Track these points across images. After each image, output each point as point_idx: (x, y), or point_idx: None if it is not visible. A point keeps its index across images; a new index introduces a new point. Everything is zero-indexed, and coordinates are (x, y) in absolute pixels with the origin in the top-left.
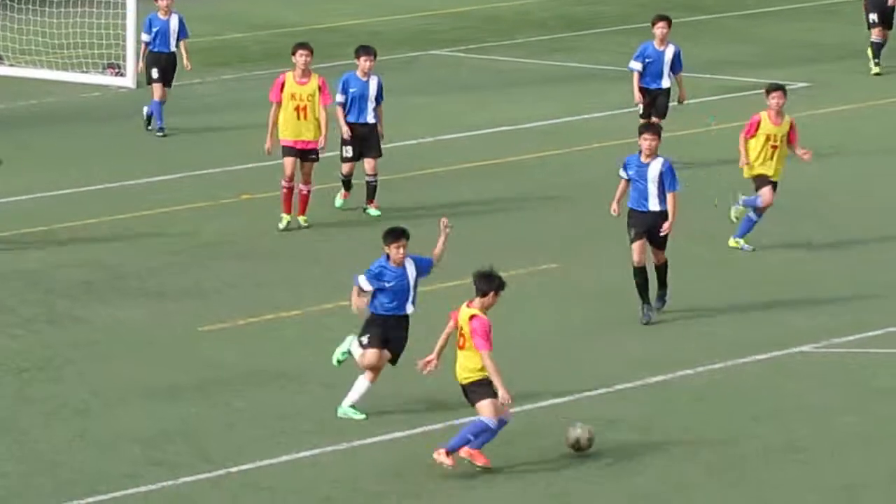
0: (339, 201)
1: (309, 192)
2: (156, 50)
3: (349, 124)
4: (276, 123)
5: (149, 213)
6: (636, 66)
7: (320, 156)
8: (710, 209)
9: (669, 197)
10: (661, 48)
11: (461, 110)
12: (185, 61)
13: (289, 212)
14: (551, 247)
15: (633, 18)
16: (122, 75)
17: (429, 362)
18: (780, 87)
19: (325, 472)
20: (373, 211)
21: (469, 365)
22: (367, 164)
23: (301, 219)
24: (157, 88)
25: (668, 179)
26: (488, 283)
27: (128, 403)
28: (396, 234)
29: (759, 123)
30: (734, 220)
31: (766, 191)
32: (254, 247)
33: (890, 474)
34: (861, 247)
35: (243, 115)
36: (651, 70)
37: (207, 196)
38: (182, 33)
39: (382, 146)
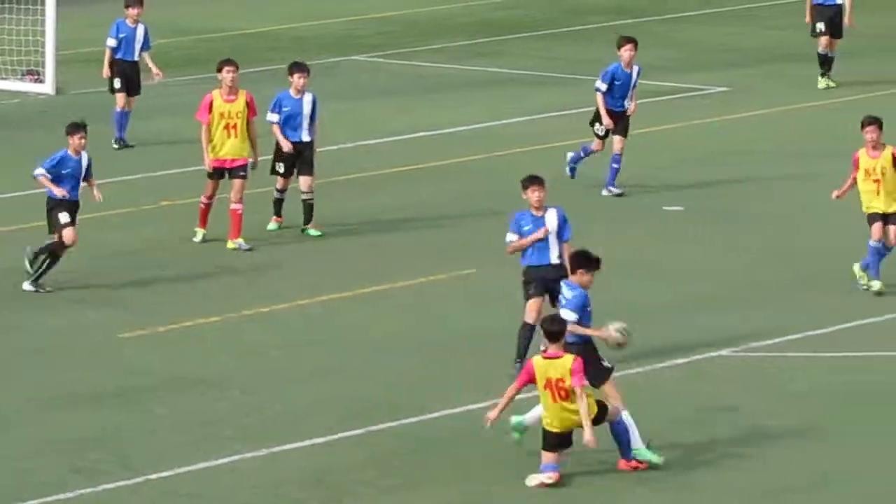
0: (271, 225)
1: (241, 211)
2: (119, 57)
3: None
4: (209, 142)
5: None
6: (602, 86)
7: (251, 173)
8: (623, 214)
9: (566, 247)
10: (629, 70)
11: (383, 115)
12: (154, 70)
13: (204, 227)
14: (472, 252)
15: (555, 24)
16: (41, 82)
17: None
18: (875, 121)
19: (245, 479)
20: (312, 231)
21: (573, 412)
22: (303, 181)
23: (238, 241)
24: (120, 98)
25: (565, 230)
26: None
27: (49, 411)
28: (532, 178)
29: (858, 160)
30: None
31: (875, 227)
32: (174, 253)
33: (810, 478)
34: (780, 250)
35: (165, 122)
36: (618, 92)
37: (128, 202)
38: (146, 44)
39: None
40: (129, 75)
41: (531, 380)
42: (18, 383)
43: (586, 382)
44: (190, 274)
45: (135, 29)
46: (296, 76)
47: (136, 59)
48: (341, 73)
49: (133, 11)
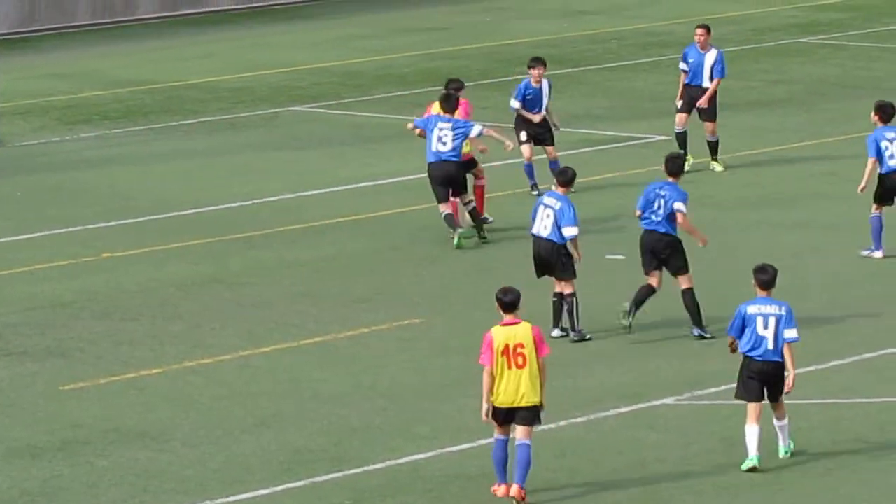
0: None
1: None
2: None
3: None
4: None
5: (8, 273)
6: (515, 104)
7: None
8: None
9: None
10: (537, 85)
11: (323, 166)
12: None
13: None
14: (414, 302)
15: (492, 74)
16: None
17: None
18: None
19: None
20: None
21: (534, 381)
22: None
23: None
24: None
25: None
26: None
27: None
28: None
29: None
30: None
31: None
32: (114, 305)
33: None
34: (727, 298)
35: (103, 173)
36: (530, 105)
37: (68, 255)
38: None
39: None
40: None
41: (493, 350)
42: None
43: (549, 352)
44: (131, 326)
45: None
46: None
47: None
48: (280, 124)
49: None
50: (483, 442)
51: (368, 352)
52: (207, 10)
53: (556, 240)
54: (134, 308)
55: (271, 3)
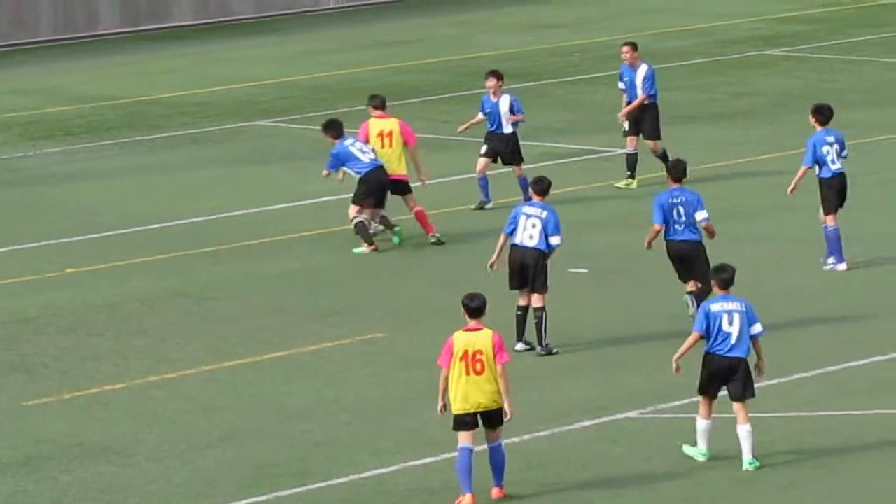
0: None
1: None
2: None
3: None
4: None
5: None
6: (480, 116)
7: None
8: None
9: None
10: (496, 99)
11: (287, 180)
12: None
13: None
14: (377, 316)
15: (456, 87)
16: None
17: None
18: None
19: None
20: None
21: (492, 388)
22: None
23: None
24: None
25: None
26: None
27: None
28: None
29: None
30: None
31: None
32: (79, 320)
33: None
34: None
35: (67, 189)
36: (493, 119)
37: (31, 270)
38: None
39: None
40: None
41: (452, 354)
42: None
43: (508, 360)
44: (96, 341)
45: None
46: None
47: None
48: (244, 138)
49: None
50: (447, 456)
51: (332, 366)
52: (170, 25)
53: (543, 249)
54: (98, 323)
55: (235, 18)
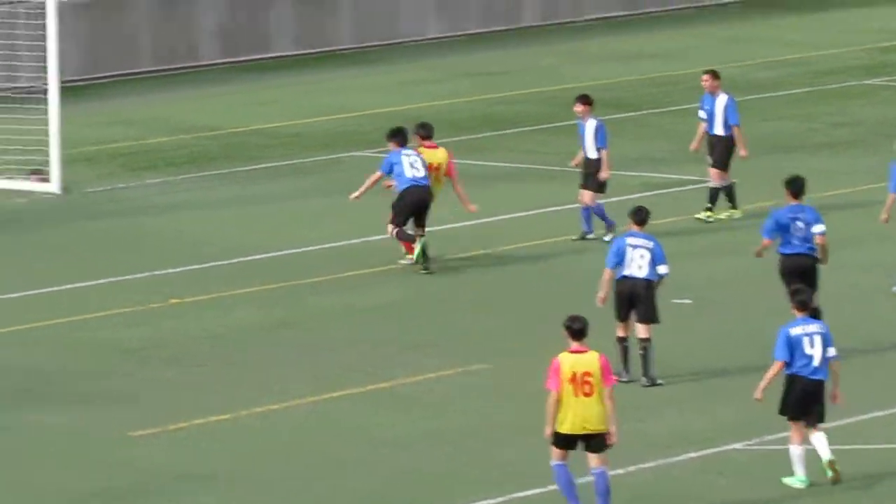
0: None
1: None
2: None
3: None
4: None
5: (78, 319)
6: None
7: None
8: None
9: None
10: (584, 122)
11: (385, 211)
12: None
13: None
14: (478, 347)
15: (554, 117)
16: (46, 181)
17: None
18: None
19: None
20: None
21: (599, 410)
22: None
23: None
24: None
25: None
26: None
27: None
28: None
29: None
30: None
31: None
32: (183, 351)
33: None
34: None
35: (169, 219)
36: (580, 142)
37: (135, 301)
38: None
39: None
40: None
41: (560, 376)
42: (28, 484)
43: (616, 381)
44: (200, 371)
45: None
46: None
47: None
48: (343, 168)
49: None
50: (552, 488)
51: (434, 397)
52: (270, 55)
53: (653, 279)
54: (202, 354)
55: (335, 48)
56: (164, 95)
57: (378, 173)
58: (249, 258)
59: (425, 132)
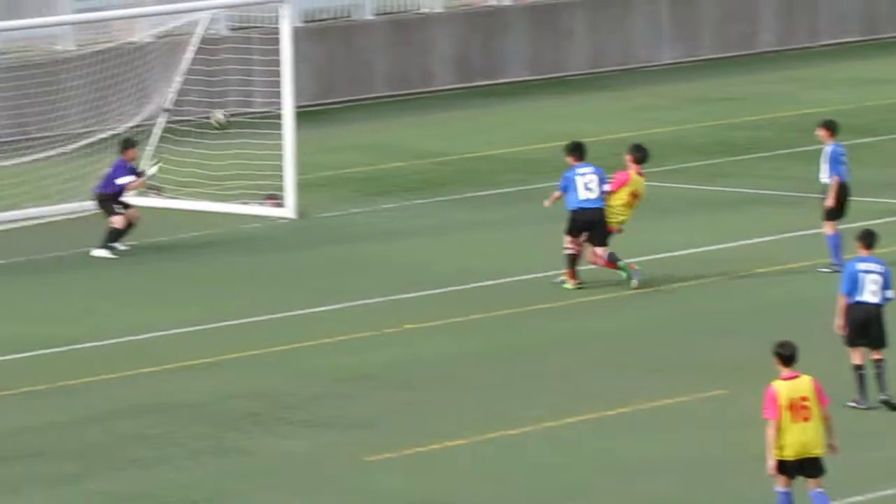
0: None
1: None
2: None
3: None
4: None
5: (311, 344)
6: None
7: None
8: None
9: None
10: (827, 148)
11: (620, 237)
12: None
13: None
14: (715, 373)
15: (790, 143)
16: (281, 206)
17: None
18: None
19: None
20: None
21: (818, 434)
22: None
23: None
24: None
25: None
26: None
27: None
28: None
29: None
30: None
31: None
32: (417, 376)
33: None
34: None
35: (403, 244)
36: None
37: (369, 326)
38: None
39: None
40: None
41: (777, 404)
42: None
43: (829, 401)
44: (434, 396)
45: None
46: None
47: None
48: None
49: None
50: None
51: (672, 423)
52: (503, 80)
53: (882, 304)
54: (437, 379)
55: (569, 73)
56: (398, 121)
57: (557, 193)
58: (482, 283)
59: (640, 155)
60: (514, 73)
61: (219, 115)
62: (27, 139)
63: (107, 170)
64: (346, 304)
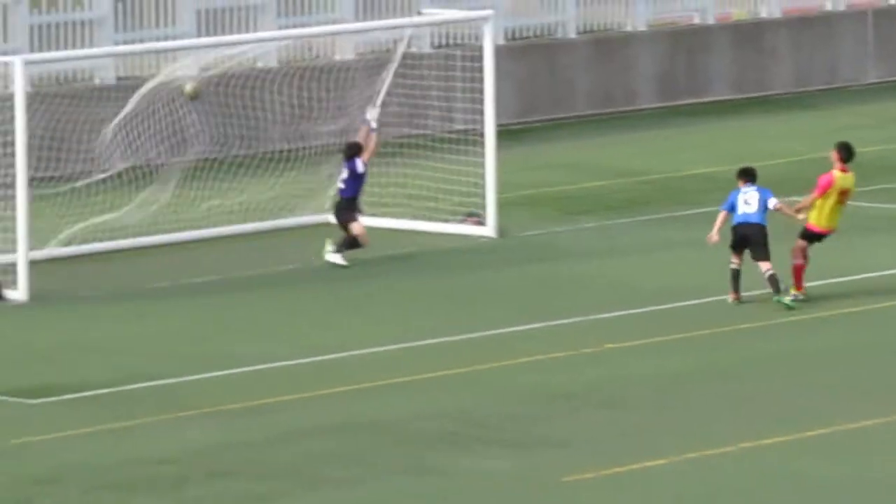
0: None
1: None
2: None
3: None
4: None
5: (511, 363)
6: None
7: None
8: None
9: None
10: None
11: (826, 256)
12: None
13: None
14: None
15: None
16: (482, 225)
17: None
18: None
19: None
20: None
21: None
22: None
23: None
24: None
25: None
26: None
27: None
28: None
29: None
30: None
31: None
32: (617, 396)
33: None
34: None
35: (604, 263)
36: None
37: (569, 346)
38: None
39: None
40: None
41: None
42: None
43: None
44: (634, 416)
45: None
46: None
47: None
48: (779, 215)
49: None
50: None
51: (873, 445)
52: (707, 99)
53: None
54: (637, 398)
55: (773, 92)
56: (600, 139)
57: (723, 212)
58: (685, 303)
59: (845, 154)
60: (718, 91)
61: (187, 86)
62: (228, 155)
63: (343, 174)
64: (546, 323)
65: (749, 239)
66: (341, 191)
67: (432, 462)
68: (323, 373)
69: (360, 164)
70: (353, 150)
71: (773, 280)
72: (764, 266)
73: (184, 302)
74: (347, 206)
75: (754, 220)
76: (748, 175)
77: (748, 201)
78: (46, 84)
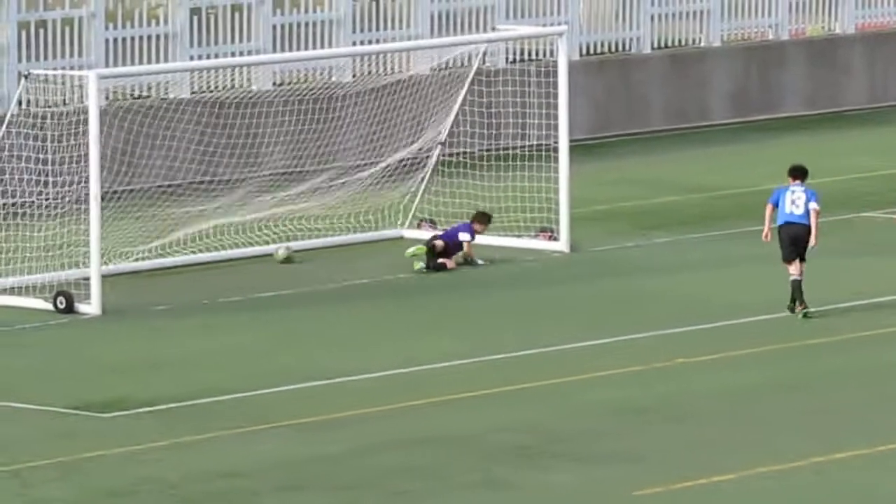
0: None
1: None
2: None
3: None
4: None
5: (583, 378)
6: None
7: None
8: None
9: None
10: None
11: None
12: None
13: None
14: None
15: None
16: (555, 240)
17: None
18: None
19: None
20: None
21: None
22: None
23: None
24: None
25: None
26: None
27: None
28: None
29: None
30: None
31: None
32: (689, 410)
33: None
34: None
35: (676, 278)
36: None
37: (640, 360)
38: None
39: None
40: None
41: None
42: None
43: None
44: (704, 430)
45: None
46: None
47: None
48: (854, 230)
49: None
50: None
51: None
52: (780, 115)
53: None
54: (708, 413)
55: (846, 108)
56: (674, 155)
57: (769, 206)
58: (756, 318)
59: None
60: (791, 107)
61: (280, 251)
62: (302, 171)
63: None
64: (617, 338)
65: (798, 241)
66: (440, 234)
67: (503, 476)
68: (395, 386)
69: (466, 235)
70: (479, 218)
71: (797, 286)
72: (796, 269)
73: (255, 315)
74: (439, 251)
75: (802, 220)
76: (800, 173)
77: (796, 202)
78: (121, 98)
